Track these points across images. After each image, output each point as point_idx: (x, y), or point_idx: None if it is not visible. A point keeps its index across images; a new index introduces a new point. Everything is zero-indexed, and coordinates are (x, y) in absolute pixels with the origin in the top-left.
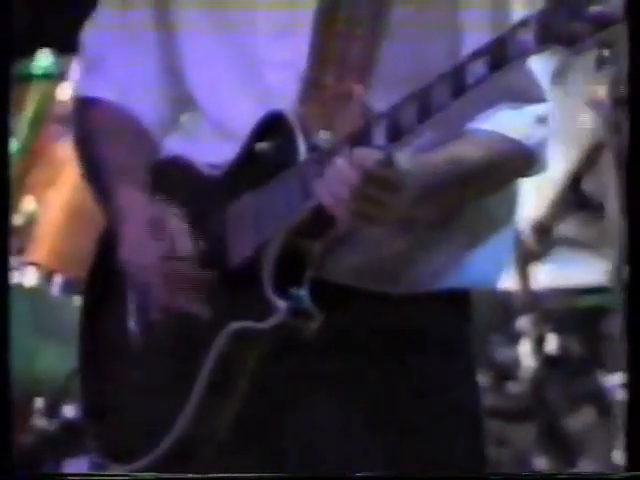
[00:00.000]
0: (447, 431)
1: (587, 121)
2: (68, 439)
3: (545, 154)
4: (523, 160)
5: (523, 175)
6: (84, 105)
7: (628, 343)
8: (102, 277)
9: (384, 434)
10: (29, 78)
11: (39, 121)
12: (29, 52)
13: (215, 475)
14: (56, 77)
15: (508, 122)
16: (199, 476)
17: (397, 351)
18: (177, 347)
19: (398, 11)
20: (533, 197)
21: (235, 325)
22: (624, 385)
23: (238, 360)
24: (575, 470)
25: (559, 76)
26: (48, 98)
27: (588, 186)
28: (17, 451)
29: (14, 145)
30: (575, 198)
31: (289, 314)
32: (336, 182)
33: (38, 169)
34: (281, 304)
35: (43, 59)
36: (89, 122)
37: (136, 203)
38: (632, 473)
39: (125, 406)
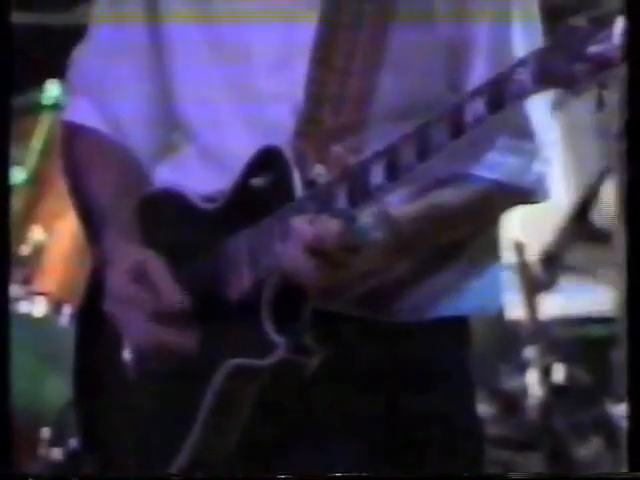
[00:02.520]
0: (446, 459)
1: (594, 150)
2: (75, 469)
3: (544, 187)
4: (516, 201)
5: (523, 204)
6: (72, 132)
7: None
8: (94, 310)
9: (379, 461)
10: (38, 109)
11: (48, 151)
12: (38, 83)
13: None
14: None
15: (501, 164)
16: (200, 477)
17: (395, 380)
18: (173, 380)
19: (395, 44)
20: (540, 227)
21: (233, 362)
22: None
23: (236, 397)
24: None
25: (561, 107)
26: (57, 128)
27: (596, 215)
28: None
29: (23, 175)
30: (582, 227)
31: (289, 351)
32: (295, 248)
33: (47, 199)
34: (280, 340)
35: (52, 90)
36: (77, 151)
37: (120, 248)
38: (632, 473)
39: (122, 437)
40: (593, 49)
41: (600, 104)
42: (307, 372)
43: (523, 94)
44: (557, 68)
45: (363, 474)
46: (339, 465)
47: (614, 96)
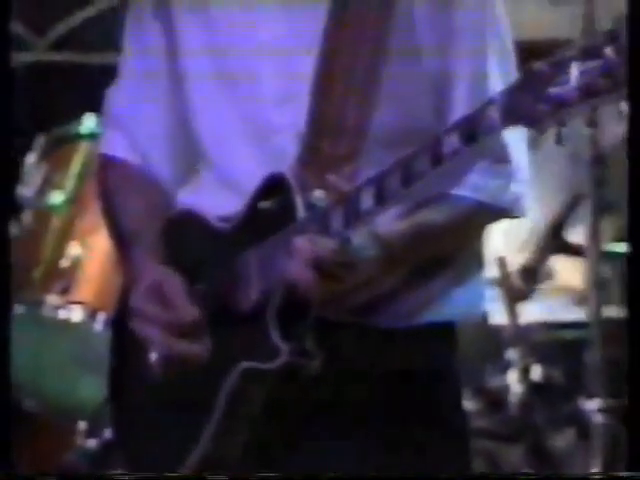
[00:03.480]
0: (435, 455)
1: (569, 176)
2: (107, 456)
3: (520, 206)
4: (495, 218)
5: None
6: (106, 163)
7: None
8: (125, 320)
9: (377, 456)
10: (77, 138)
11: (85, 175)
12: (77, 116)
13: (215, 476)
14: (100, 136)
15: (481, 186)
16: (199, 476)
17: (390, 380)
18: (192, 381)
19: (387, 78)
20: (520, 243)
21: (244, 365)
22: (603, 409)
23: (247, 396)
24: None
25: (536, 145)
26: (93, 155)
27: (569, 233)
28: (63, 466)
29: (62, 197)
30: (557, 243)
31: (292, 355)
32: (298, 264)
33: (83, 218)
34: (284, 346)
35: (89, 122)
36: (109, 179)
37: (144, 267)
38: (632, 473)
39: (148, 430)
40: (553, 90)
41: (559, 140)
42: (309, 374)
43: (493, 130)
44: (522, 107)
45: (363, 474)
46: (341, 459)
47: (585, 130)
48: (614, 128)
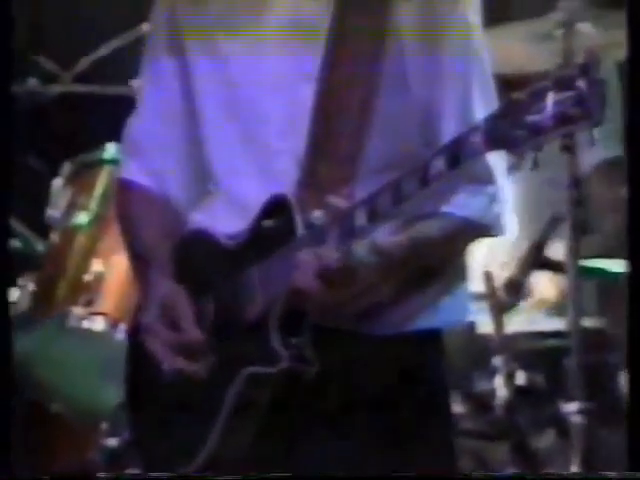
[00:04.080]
0: (424, 452)
1: (549, 197)
2: (127, 454)
3: (501, 225)
4: (479, 234)
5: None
6: (124, 187)
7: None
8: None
9: (371, 453)
10: (100, 164)
11: (107, 198)
12: (100, 143)
13: (214, 476)
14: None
15: (467, 204)
16: (199, 476)
17: (382, 383)
18: (202, 385)
19: (380, 108)
20: (505, 259)
21: (249, 369)
22: (581, 411)
23: (252, 398)
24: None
25: (515, 170)
26: (115, 179)
27: (549, 250)
28: (87, 463)
29: (86, 218)
30: (539, 259)
31: (291, 361)
32: (304, 274)
33: (105, 237)
34: (285, 352)
35: (111, 149)
36: (127, 202)
37: (157, 284)
38: (633, 473)
39: (162, 430)
40: (530, 118)
41: (535, 164)
42: (307, 377)
43: (476, 154)
44: (502, 133)
45: (358, 471)
46: (338, 458)
47: (563, 155)
48: (589, 153)
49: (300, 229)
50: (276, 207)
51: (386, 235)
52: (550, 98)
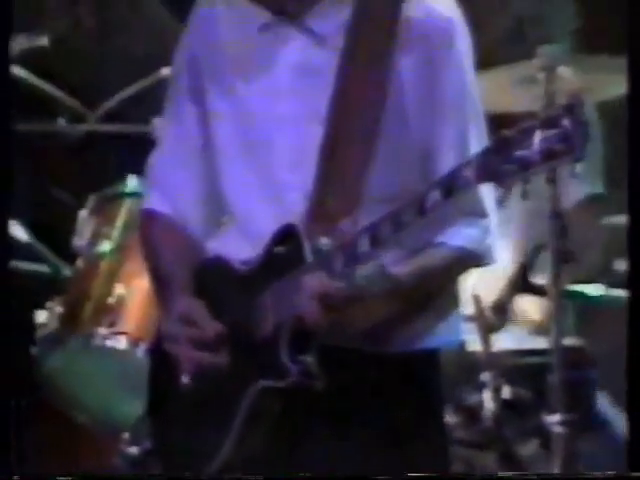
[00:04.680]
0: (420, 457)
1: (533, 227)
2: (147, 461)
3: (493, 254)
4: (474, 262)
5: (478, 266)
6: (147, 216)
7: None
8: (161, 349)
9: (372, 459)
10: (122, 196)
11: (128, 228)
12: (122, 178)
13: (214, 475)
14: (141, 195)
15: (463, 235)
16: (199, 476)
17: (383, 397)
18: (218, 397)
19: (381, 143)
20: (492, 283)
21: (262, 383)
22: (562, 422)
23: (264, 409)
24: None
25: (504, 201)
26: (136, 211)
27: (533, 275)
28: (109, 470)
29: (109, 246)
30: (523, 284)
31: (299, 376)
32: (308, 300)
33: (127, 263)
34: (293, 368)
35: (132, 183)
36: (150, 231)
37: (177, 301)
38: (633, 473)
39: (179, 440)
40: (519, 154)
41: (524, 195)
42: (314, 391)
43: (468, 186)
44: (493, 167)
45: (362, 474)
46: (343, 461)
47: (546, 188)
48: (573, 188)
49: (308, 255)
50: (286, 235)
51: (397, 263)
52: (537, 135)
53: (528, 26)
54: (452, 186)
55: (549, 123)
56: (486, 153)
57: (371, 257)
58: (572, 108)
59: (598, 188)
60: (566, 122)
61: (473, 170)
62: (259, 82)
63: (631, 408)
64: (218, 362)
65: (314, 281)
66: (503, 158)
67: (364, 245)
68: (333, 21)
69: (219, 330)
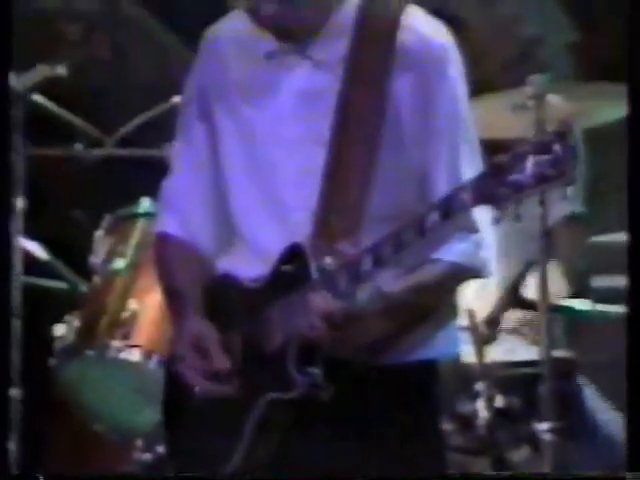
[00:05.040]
0: (419, 461)
1: (524, 245)
2: (160, 467)
3: (488, 267)
4: (468, 276)
5: (474, 279)
6: (160, 237)
7: None
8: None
9: (373, 464)
10: (135, 217)
11: (141, 247)
12: (136, 199)
13: (215, 476)
14: (156, 216)
15: (455, 251)
16: (200, 475)
17: (385, 406)
18: (229, 406)
19: (381, 167)
20: (485, 298)
21: (271, 395)
22: (551, 430)
23: (273, 419)
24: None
25: (499, 222)
26: (148, 230)
27: (524, 291)
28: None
29: (123, 263)
30: (515, 299)
31: (306, 387)
32: (312, 318)
33: (139, 280)
34: (300, 380)
35: (144, 204)
36: (164, 251)
37: (189, 319)
38: (633, 473)
39: (192, 446)
40: (512, 178)
41: (517, 217)
42: (320, 401)
43: (465, 208)
44: (488, 191)
45: (368, 475)
46: (345, 465)
47: (536, 209)
48: (558, 208)
49: (314, 273)
50: (293, 254)
51: (389, 281)
52: (530, 160)
53: (532, 48)
54: (450, 208)
55: (541, 149)
56: (482, 177)
57: (373, 275)
58: (563, 135)
59: (578, 207)
60: (557, 148)
61: (470, 193)
62: (265, 106)
63: (631, 409)
64: (223, 392)
65: (319, 301)
66: (498, 182)
67: (367, 264)
68: (333, 49)
69: (226, 366)
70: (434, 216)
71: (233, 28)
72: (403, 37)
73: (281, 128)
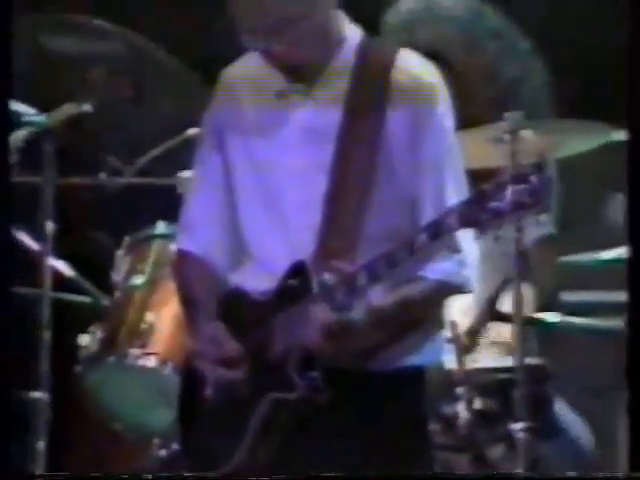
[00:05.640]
0: (408, 458)
1: (501, 264)
2: (174, 462)
3: (470, 285)
4: (452, 292)
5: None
6: (180, 255)
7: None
8: (190, 368)
9: (366, 461)
10: (152, 238)
11: (157, 265)
12: (153, 222)
13: (216, 475)
14: (170, 237)
15: (439, 269)
16: (199, 475)
17: (376, 409)
18: (236, 406)
19: (375, 195)
20: (467, 311)
21: (273, 395)
22: (524, 429)
23: (275, 418)
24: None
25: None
26: (164, 250)
27: (501, 305)
28: (140, 470)
29: (142, 279)
30: (492, 312)
31: (306, 390)
32: (312, 329)
33: (156, 294)
34: (301, 383)
35: (160, 226)
36: (183, 267)
37: (204, 325)
38: (633, 473)
39: (205, 441)
40: (493, 205)
41: (497, 239)
42: (318, 402)
43: (451, 231)
44: (471, 216)
45: (363, 473)
46: (341, 462)
47: (512, 233)
48: (532, 231)
49: (315, 287)
50: (297, 271)
51: (379, 296)
52: (509, 189)
53: (511, 88)
54: (438, 231)
55: (519, 179)
56: (466, 203)
57: (368, 289)
58: (539, 166)
59: (550, 230)
60: (534, 179)
61: (455, 218)
62: (274, 139)
63: (631, 409)
64: (235, 377)
65: (318, 314)
66: (480, 208)
67: (362, 279)
68: (334, 88)
69: (238, 350)
70: (423, 237)
71: (247, 69)
72: (397, 76)
73: (288, 158)
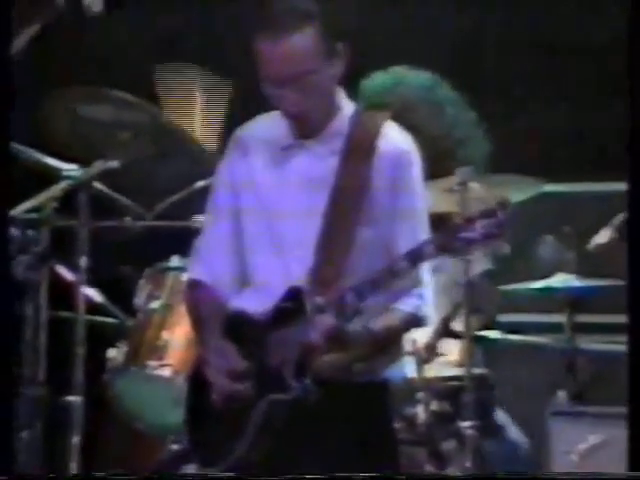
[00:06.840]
0: (378, 454)
1: (453, 291)
2: (186, 455)
3: (429, 319)
4: (416, 325)
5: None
6: (191, 284)
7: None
8: (197, 375)
9: (340, 457)
10: (168, 270)
11: (172, 292)
12: (167, 257)
13: (215, 475)
14: (183, 269)
15: (409, 303)
16: (199, 475)
17: (354, 411)
18: (238, 410)
19: (361, 236)
20: (425, 330)
21: (272, 396)
22: (473, 427)
23: (273, 417)
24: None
25: (439, 269)
26: (178, 280)
27: (454, 324)
28: (156, 463)
29: (158, 304)
30: (447, 331)
31: (300, 392)
32: (316, 335)
33: (171, 317)
34: (296, 386)
35: (174, 260)
36: (194, 294)
37: (211, 340)
38: (633, 473)
39: (210, 438)
40: (464, 235)
41: (466, 265)
42: (310, 404)
43: (429, 258)
44: (446, 245)
45: (341, 469)
46: (322, 461)
47: (460, 264)
48: (477, 264)
49: (309, 310)
50: (292, 295)
51: (375, 323)
52: (479, 223)
53: (460, 147)
54: (417, 257)
55: (487, 214)
56: (441, 234)
57: (355, 307)
58: (503, 205)
59: (490, 265)
60: (500, 214)
61: (432, 246)
62: (277, 185)
63: (632, 409)
64: (239, 389)
65: (324, 318)
66: (454, 238)
67: (350, 298)
68: (331, 146)
69: (242, 364)
70: (404, 263)
71: (258, 129)
72: (382, 143)
73: (288, 201)
